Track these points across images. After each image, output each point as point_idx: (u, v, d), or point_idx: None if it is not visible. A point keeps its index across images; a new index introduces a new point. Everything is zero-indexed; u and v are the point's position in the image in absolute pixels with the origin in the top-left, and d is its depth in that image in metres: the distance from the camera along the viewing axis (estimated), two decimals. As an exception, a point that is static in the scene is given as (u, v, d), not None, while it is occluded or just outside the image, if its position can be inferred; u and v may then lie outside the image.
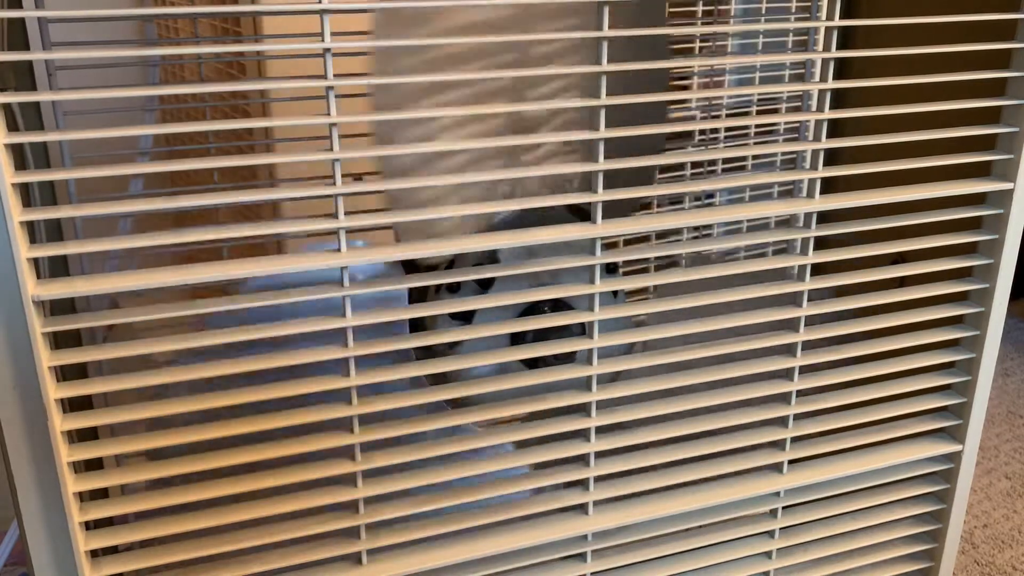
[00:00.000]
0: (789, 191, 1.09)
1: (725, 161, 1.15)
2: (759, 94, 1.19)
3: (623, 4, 0.54)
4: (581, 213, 0.64)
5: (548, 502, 0.61)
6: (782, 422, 0.65)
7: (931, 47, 0.58)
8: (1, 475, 0.49)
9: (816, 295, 0.62)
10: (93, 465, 0.65)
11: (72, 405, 0.51)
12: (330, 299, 0.52)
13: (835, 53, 0.57)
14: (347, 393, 0.54)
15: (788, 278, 0.62)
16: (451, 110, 0.53)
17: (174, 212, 0.57)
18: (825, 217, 0.60)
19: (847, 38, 0.81)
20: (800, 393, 0.65)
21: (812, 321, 0.63)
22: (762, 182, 0.58)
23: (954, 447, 0.70)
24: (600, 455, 0.61)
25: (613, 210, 0.57)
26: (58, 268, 0.59)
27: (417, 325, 0.65)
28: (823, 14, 0.57)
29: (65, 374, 0.52)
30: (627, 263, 0.95)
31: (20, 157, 0.54)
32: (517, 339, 0.64)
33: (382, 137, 0.59)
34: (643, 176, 0.65)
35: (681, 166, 1.09)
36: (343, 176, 0.50)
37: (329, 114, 0.49)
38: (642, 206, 0.93)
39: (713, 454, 0.64)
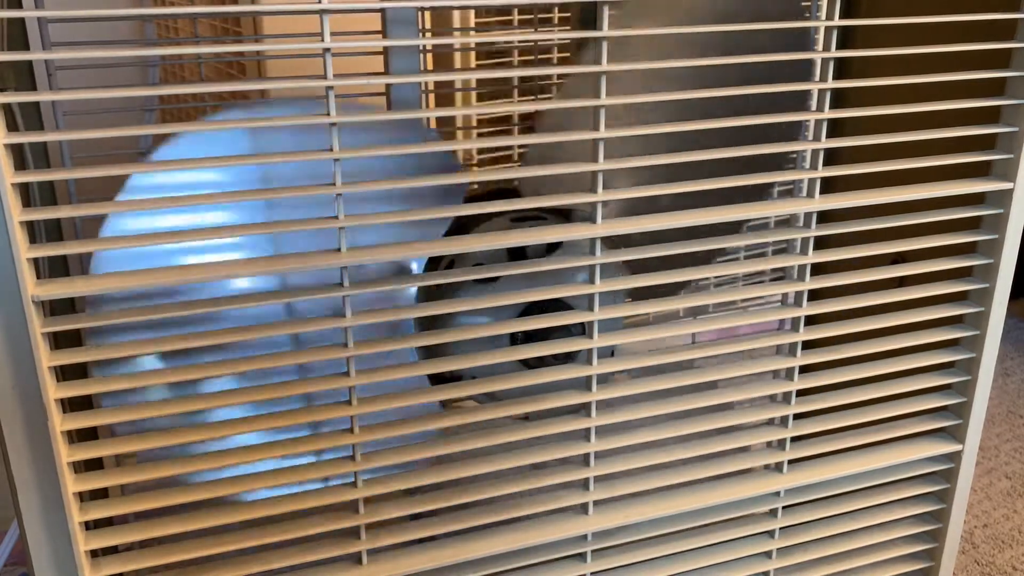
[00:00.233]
0: (789, 191, 1.09)
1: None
2: (759, 94, 1.18)
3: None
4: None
5: (548, 502, 0.61)
6: (782, 422, 0.65)
7: (930, 47, 0.58)
8: (1, 475, 0.49)
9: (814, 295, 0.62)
10: (93, 465, 0.65)
11: (72, 405, 0.51)
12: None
13: (835, 53, 0.57)
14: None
15: (788, 278, 0.62)
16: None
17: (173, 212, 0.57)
18: (825, 217, 0.60)
19: (847, 38, 0.81)
20: (800, 393, 0.65)
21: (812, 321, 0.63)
22: (762, 182, 0.58)
23: (954, 447, 0.70)
24: (600, 455, 0.61)
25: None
26: (58, 268, 0.59)
27: (422, 323, 0.65)
28: (823, 14, 0.57)
29: (65, 374, 0.52)
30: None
31: (20, 157, 0.54)
32: (516, 339, 0.64)
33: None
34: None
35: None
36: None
37: (329, 114, 0.49)
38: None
39: (713, 454, 0.64)
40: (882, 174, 0.60)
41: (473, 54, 1.35)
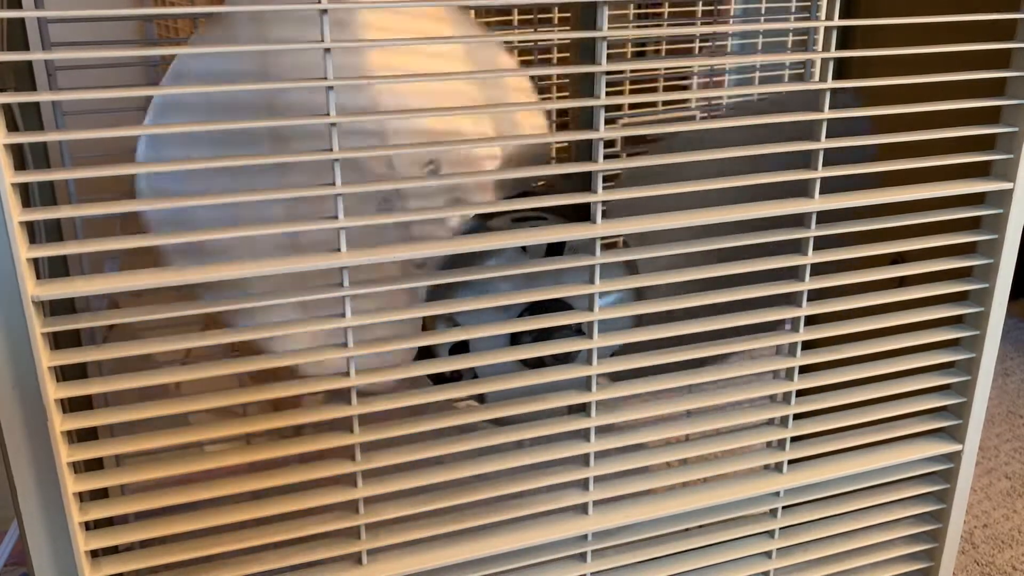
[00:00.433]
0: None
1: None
2: (759, 94, 1.19)
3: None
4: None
5: (548, 502, 0.61)
6: (782, 422, 0.65)
7: (930, 47, 0.58)
8: (1, 475, 0.49)
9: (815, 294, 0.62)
10: (93, 465, 0.65)
11: (72, 405, 0.51)
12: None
13: (835, 53, 0.57)
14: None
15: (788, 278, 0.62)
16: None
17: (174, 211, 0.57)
18: (825, 217, 0.60)
19: (847, 38, 0.81)
20: (800, 393, 0.65)
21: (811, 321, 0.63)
22: (762, 182, 0.58)
23: (954, 447, 0.70)
24: (600, 455, 0.61)
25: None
26: (58, 268, 0.59)
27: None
28: (823, 14, 0.57)
29: (65, 374, 0.52)
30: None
31: (20, 157, 0.55)
32: (516, 340, 0.64)
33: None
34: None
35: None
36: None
37: (329, 114, 0.49)
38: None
39: (712, 454, 0.64)
40: (882, 174, 0.60)
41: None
